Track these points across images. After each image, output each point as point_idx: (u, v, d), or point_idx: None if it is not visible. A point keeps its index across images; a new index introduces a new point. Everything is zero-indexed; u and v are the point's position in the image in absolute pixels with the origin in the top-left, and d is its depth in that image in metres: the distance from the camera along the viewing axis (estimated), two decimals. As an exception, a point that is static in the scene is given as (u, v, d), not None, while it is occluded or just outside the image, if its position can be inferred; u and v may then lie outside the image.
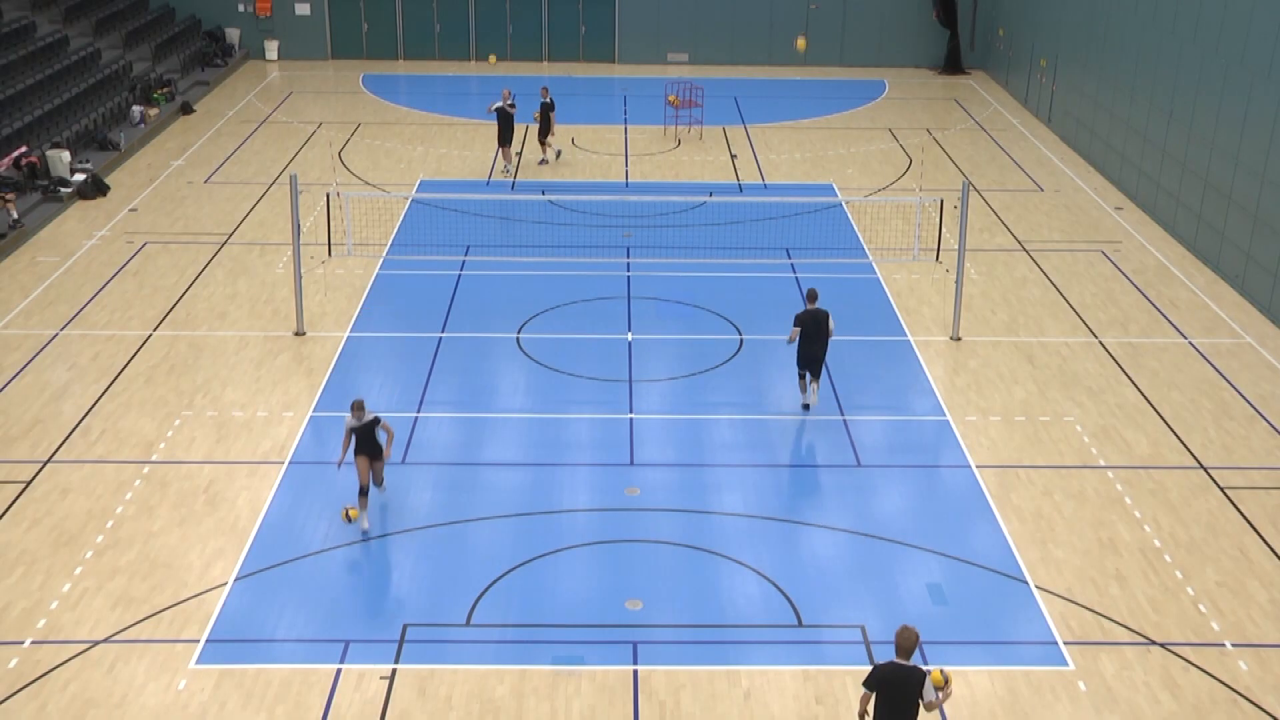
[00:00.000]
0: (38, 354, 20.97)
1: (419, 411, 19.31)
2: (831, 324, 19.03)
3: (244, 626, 14.40)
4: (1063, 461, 18.21)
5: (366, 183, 30.20)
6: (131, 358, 20.91)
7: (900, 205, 28.09)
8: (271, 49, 43.64)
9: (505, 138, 30.64)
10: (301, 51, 43.93)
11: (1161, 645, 14.34)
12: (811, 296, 19.15)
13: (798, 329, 18.91)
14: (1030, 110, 37.73)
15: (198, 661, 13.80)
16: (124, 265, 24.81)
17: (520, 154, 32.34)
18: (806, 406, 19.52)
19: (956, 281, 22.13)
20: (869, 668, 12.07)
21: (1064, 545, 16.17)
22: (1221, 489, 17.56)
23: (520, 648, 14.12)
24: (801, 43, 29.57)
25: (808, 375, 19.32)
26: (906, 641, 11.44)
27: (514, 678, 13.61)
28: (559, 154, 32.16)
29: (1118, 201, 29.59)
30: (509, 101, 30.58)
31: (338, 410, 19.25)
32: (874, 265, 25.34)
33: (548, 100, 31.09)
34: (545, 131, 31.38)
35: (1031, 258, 26.04)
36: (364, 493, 16.23)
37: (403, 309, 23.07)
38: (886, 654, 12.05)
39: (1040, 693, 13.54)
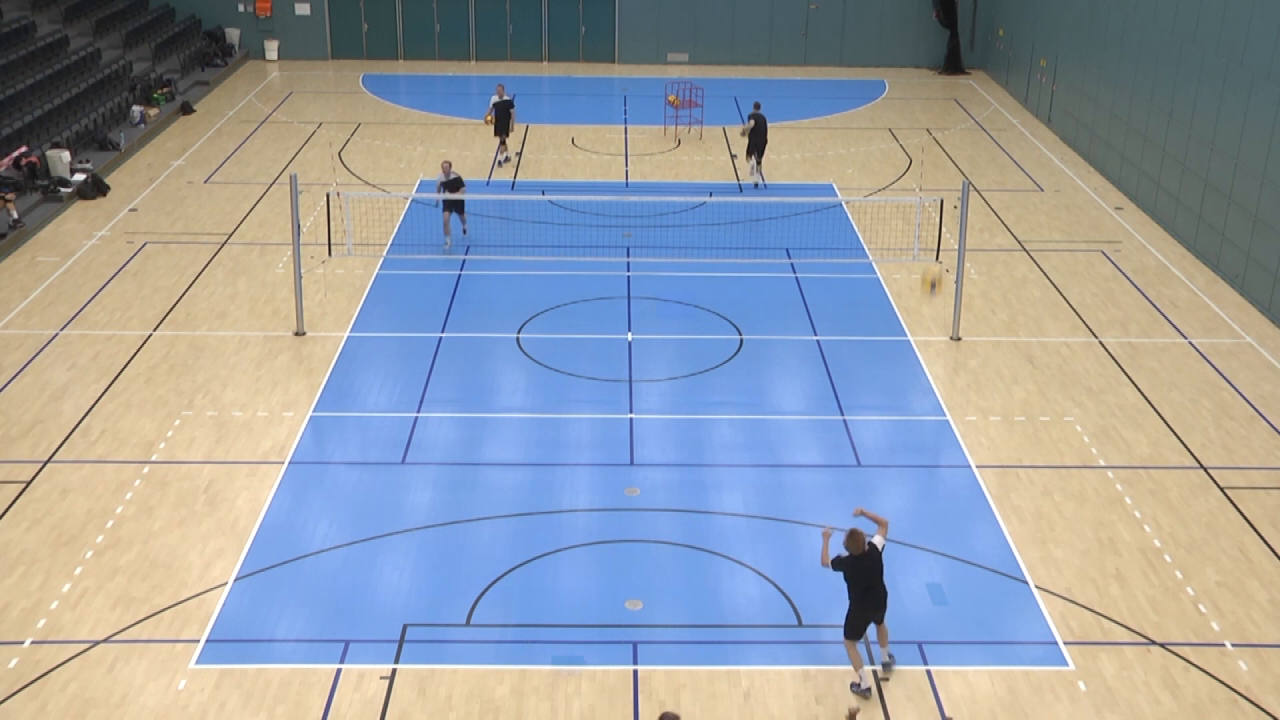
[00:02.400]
0: (38, 354, 20.96)
1: (419, 411, 19.31)
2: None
3: (244, 626, 14.40)
4: (1063, 461, 18.21)
5: (366, 183, 30.19)
6: (131, 358, 20.91)
7: (900, 205, 28.07)
8: (271, 49, 43.63)
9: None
10: (301, 51, 43.92)
11: (1161, 645, 14.34)
12: (756, 106, 29.51)
13: (752, 123, 28.85)
14: (1030, 110, 37.72)
15: (198, 661, 13.80)
16: (124, 265, 24.81)
17: (521, 153, 32.37)
18: (755, 185, 29.30)
19: (956, 281, 22.12)
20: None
21: (1064, 545, 16.17)
22: (1221, 489, 17.55)
23: (520, 648, 14.12)
24: (748, 126, 30.18)
25: (757, 160, 29.28)
26: (854, 544, 13.14)
27: (514, 678, 13.61)
28: (507, 159, 31.85)
29: (1118, 201, 29.58)
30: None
31: (338, 410, 19.27)
32: (874, 265, 25.34)
33: (504, 98, 30.94)
34: (504, 129, 31.14)
35: (1031, 258, 26.03)
36: None
37: (403, 309, 23.07)
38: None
39: (1040, 693, 13.54)
